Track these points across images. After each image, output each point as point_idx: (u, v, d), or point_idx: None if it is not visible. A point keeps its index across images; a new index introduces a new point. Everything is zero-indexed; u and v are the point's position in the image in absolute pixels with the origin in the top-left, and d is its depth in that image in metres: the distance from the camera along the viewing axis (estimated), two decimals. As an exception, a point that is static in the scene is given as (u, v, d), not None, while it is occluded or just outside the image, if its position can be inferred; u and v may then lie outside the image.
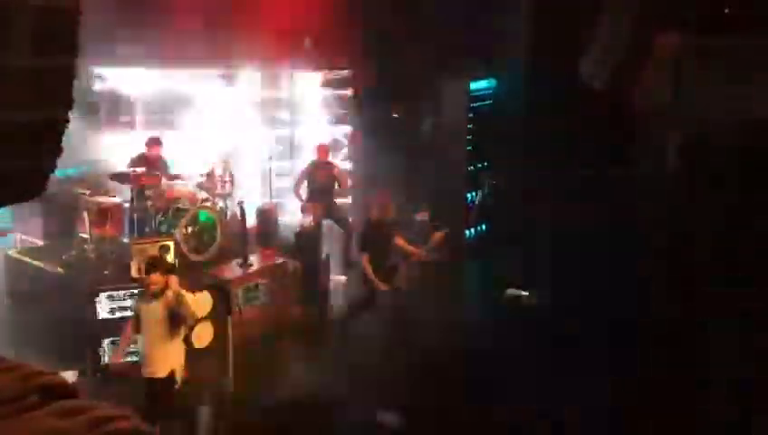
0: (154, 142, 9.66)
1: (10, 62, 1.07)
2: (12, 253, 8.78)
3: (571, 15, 9.99)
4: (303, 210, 10.19)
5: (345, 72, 11.52)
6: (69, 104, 1.17)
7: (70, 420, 0.84)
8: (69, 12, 1.16)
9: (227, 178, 9.76)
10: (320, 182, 10.08)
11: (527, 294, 8.80)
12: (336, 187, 10.28)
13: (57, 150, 1.13)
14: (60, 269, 8.20)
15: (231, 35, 10.15)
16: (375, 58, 10.53)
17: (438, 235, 8.52)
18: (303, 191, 10.20)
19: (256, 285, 8.22)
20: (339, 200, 10.51)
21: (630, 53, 9.78)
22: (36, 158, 1.08)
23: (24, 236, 9.46)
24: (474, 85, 10.56)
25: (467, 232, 10.48)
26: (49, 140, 1.09)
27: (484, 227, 10.86)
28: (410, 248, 8.29)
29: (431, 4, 9.99)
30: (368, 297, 8.01)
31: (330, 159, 10.33)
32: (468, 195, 10.69)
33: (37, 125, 1.06)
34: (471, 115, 10.53)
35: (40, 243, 9.16)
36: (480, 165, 10.85)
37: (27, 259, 8.53)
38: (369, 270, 7.89)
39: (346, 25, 10.40)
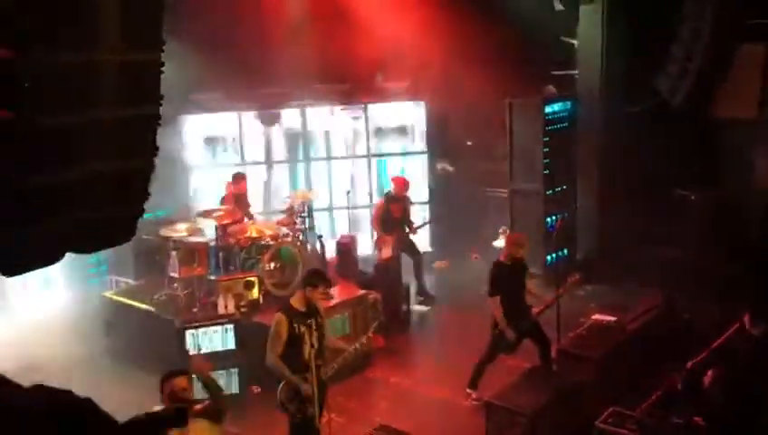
0: (240, 179, 10.03)
1: (100, 116, 1.15)
2: (108, 294, 9.25)
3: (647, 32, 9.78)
4: (380, 242, 10.22)
5: (421, 102, 11.63)
6: (154, 152, 1.24)
7: None
8: (151, 65, 1.23)
9: (306, 213, 9.93)
10: (395, 215, 10.11)
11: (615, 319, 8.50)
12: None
13: (145, 197, 1.19)
14: (151, 308, 8.54)
15: (307, 67, 10.46)
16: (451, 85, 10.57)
17: (574, 277, 7.51)
18: (380, 224, 10.25)
19: (339, 317, 8.27)
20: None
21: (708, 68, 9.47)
22: (125, 205, 1.14)
23: (117, 278, 9.94)
24: (549, 108, 10.42)
25: (548, 257, 10.25)
26: (137, 188, 1.16)
27: (565, 251, 10.61)
28: (540, 294, 7.43)
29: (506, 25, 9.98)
30: (496, 342, 7.23)
31: (406, 192, 10.33)
32: (548, 219, 10.49)
33: (125, 174, 1.12)
34: (547, 139, 10.37)
35: (133, 283, 9.58)
36: (559, 188, 10.64)
37: (121, 299, 8.94)
38: (500, 314, 7.10)
39: (422, 57, 10.54)
